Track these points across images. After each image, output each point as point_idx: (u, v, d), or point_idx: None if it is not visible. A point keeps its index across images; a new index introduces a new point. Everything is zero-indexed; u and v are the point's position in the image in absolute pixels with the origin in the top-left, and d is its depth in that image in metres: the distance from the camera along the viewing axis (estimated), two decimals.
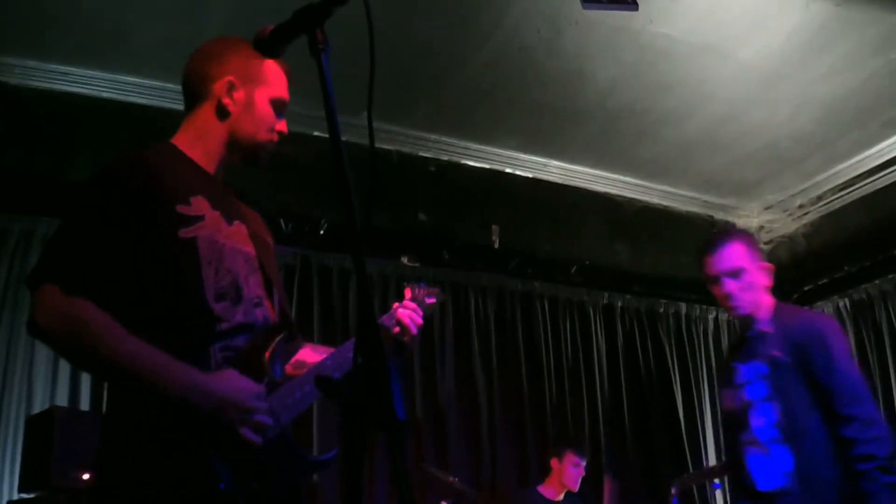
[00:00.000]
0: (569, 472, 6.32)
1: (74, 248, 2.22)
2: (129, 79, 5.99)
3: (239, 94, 2.50)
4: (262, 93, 2.53)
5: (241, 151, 2.54)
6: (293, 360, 2.69)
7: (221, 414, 2.12)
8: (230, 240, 2.41)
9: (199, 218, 2.35)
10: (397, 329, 2.65)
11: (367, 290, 1.72)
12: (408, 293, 2.83)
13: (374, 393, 1.58)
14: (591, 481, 6.93)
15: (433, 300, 2.90)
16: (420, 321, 2.71)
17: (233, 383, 2.18)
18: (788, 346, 3.55)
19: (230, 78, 2.49)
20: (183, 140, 2.51)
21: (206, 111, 2.51)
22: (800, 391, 3.49)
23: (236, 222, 2.47)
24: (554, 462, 6.41)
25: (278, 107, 2.57)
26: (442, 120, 6.76)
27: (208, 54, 2.58)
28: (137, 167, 2.34)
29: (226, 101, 2.49)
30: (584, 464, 6.38)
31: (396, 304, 2.73)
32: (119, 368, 2.12)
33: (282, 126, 2.58)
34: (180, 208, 2.32)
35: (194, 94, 2.55)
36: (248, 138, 2.52)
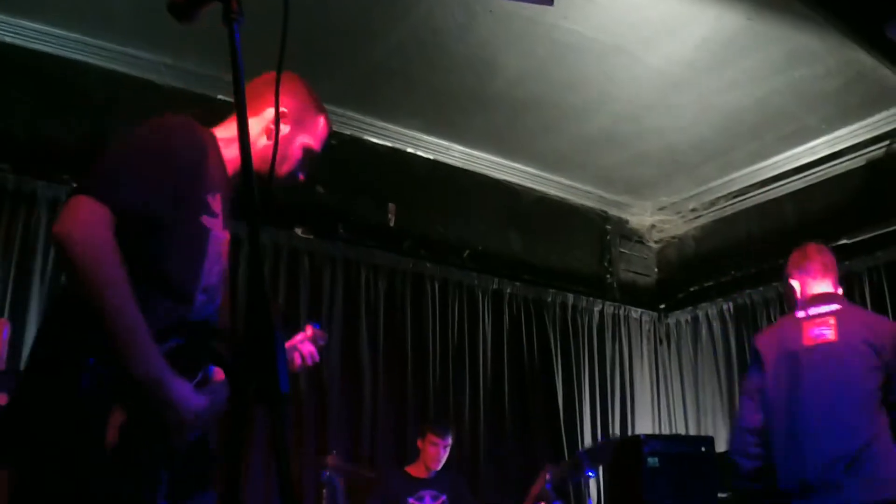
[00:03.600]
0: (428, 451, 6.37)
1: (127, 181, 2.23)
2: (32, 24, 5.69)
3: (284, 128, 2.63)
4: (303, 138, 2.69)
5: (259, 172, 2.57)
6: None
7: (172, 416, 2.15)
8: (223, 246, 2.52)
9: (217, 214, 2.44)
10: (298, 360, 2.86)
11: (259, 261, 1.72)
12: (309, 330, 2.98)
13: (259, 364, 1.58)
14: (470, 462, 7.03)
15: (322, 343, 3.05)
16: (317, 358, 2.93)
17: (187, 392, 2.20)
18: None
19: (284, 110, 2.62)
20: (223, 138, 2.57)
21: (252, 125, 2.57)
22: None
23: (226, 231, 2.56)
24: (419, 443, 6.47)
25: (307, 155, 2.72)
26: (348, 94, 6.72)
27: (282, 84, 2.60)
28: (197, 141, 2.42)
29: (272, 126, 2.59)
30: (444, 443, 6.40)
31: (302, 335, 2.92)
32: (110, 319, 2.08)
33: (302, 176, 2.74)
34: (209, 198, 2.41)
35: (251, 103, 2.58)
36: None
